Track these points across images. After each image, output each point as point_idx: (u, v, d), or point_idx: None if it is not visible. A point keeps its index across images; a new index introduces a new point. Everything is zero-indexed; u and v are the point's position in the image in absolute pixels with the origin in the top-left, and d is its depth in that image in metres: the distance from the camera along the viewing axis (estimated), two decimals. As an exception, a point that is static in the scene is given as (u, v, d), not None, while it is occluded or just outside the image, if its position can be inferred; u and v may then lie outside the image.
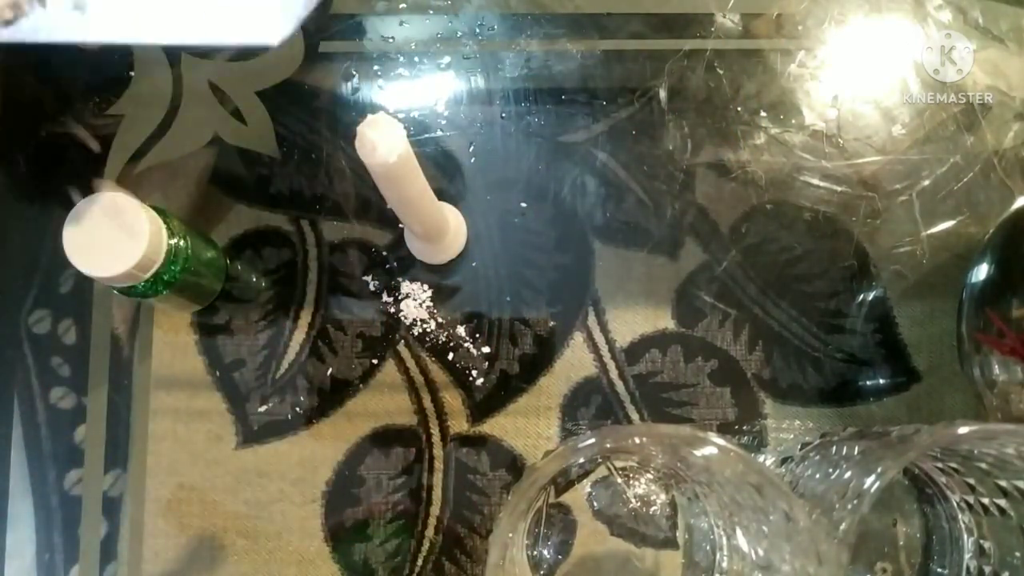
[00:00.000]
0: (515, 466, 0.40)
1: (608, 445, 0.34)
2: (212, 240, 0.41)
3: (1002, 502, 0.33)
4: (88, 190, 0.35)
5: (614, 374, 0.41)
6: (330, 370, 0.41)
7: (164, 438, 0.40)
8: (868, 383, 0.41)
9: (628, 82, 0.43)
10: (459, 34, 0.44)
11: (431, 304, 0.41)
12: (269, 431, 0.40)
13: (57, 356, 0.41)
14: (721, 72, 0.43)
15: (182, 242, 0.37)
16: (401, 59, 0.44)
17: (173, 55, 0.44)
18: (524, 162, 0.43)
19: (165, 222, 0.36)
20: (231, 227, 0.42)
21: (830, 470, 0.32)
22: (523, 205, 0.42)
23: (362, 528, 0.40)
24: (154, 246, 0.35)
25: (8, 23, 0.32)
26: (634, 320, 0.41)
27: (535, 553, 0.39)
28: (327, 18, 0.44)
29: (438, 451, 0.40)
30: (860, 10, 0.44)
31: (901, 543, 0.38)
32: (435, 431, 0.40)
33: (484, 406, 0.41)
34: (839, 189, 0.42)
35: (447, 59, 0.44)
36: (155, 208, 0.36)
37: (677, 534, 0.39)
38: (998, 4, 0.44)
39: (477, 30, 0.44)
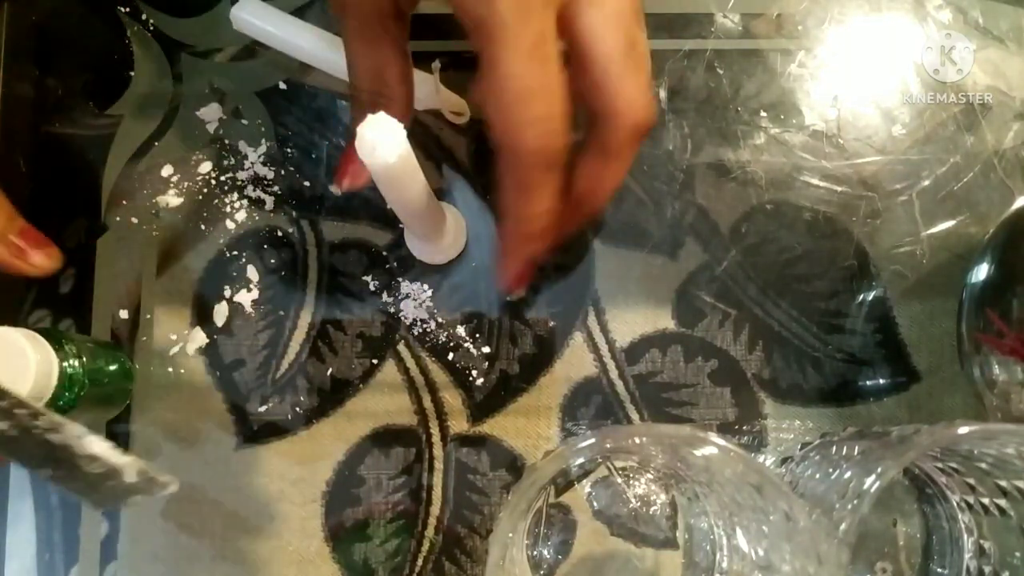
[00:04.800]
0: (515, 466, 0.40)
1: (608, 445, 0.34)
2: (115, 347, 0.40)
3: (1002, 502, 0.33)
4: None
5: (614, 374, 0.41)
6: (330, 370, 0.41)
7: (164, 438, 0.40)
8: (868, 383, 0.41)
9: (628, 82, 0.43)
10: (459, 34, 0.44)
11: (431, 304, 0.41)
12: (269, 431, 0.40)
13: (57, 356, 0.41)
14: (721, 72, 0.43)
15: (77, 363, 0.35)
16: (401, 59, 0.44)
17: (173, 55, 0.44)
18: (524, 162, 0.42)
19: (57, 346, 0.35)
20: (231, 227, 0.42)
21: (830, 470, 0.32)
22: (523, 205, 0.42)
23: (362, 528, 0.40)
24: (41, 379, 0.33)
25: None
26: (634, 320, 0.41)
27: (535, 553, 0.39)
28: (327, 18, 0.44)
29: (438, 451, 0.40)
30: (860, 10, 0.44)
31: (901, 543, 0.38)
32: (435, 431, 0.40)
33: (484, 406, 0.41)
34: (839, 189, 0.42)
35: (447, 59, 0.44)
36: (44, 331, 0.35)
37: (677, 534, 0.39)
38: (998, 4, 0.44)
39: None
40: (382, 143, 0.28)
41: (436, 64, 0.42)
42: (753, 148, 0.43)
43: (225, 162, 0.43)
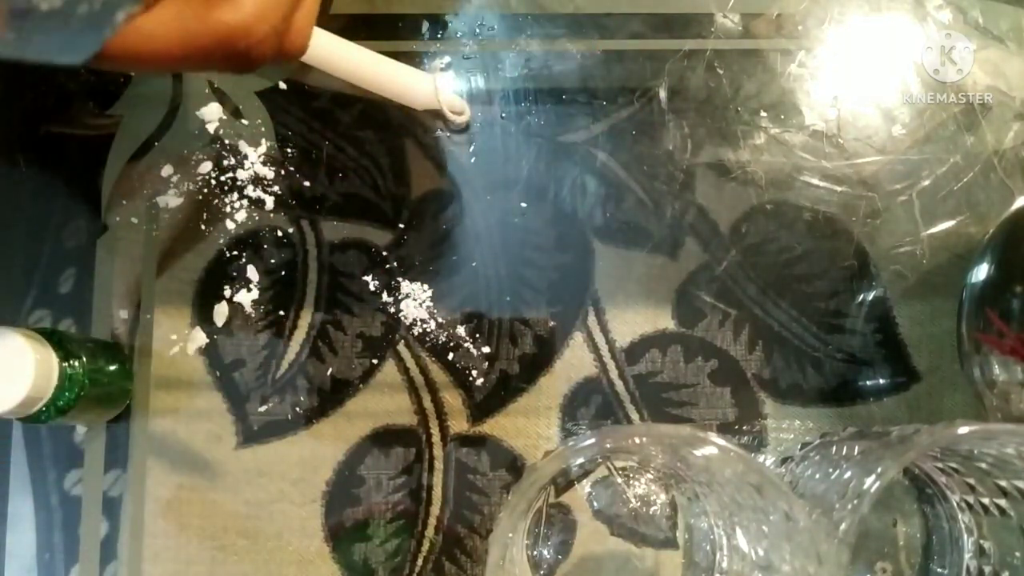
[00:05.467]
0: (515, 466, 0.40)
1: (608, 445, 0.34)
2: (115, 347, 0.40)
3: (1002, 502, 0.33)
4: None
5: (614, 374, 0.41)
6: (330, 370, 0.41)
7: (164, 438, 0.40)
8: (868, 383, 0.41)
9: (628, 82, 0.43)
10: (459, 34, 0.44)
11: (431, 304, 0.41)
12: (269, 431, 0.40)
13: (57, 356, 0.41)
14: (721, 72, 0.43)
15: (77, 363, 0.35)
16: (401, 59, 0.44)
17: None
18: (524, 162, 0.43)
19: (57, 346, 0.35)
20: (231, 227, 0.42)
21: (830, 470, 0.32)
22: (523, 205, 0.42)
23: (362, 528, 0.40)
24: (41, 379, 0.33)
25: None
26: (634, 320, 0.41)
27: (535, 553, 0.39)
28: (327, 18, 0.44)
29: (438, 451, 0.40)
30: (860, 10, 0.44)
31: (901, 543, 0.38)
32: (435, 431, 0.40)
33: (484, 406, 0.41)
34: (839, 189, 0.42)
35: (447, 59, 0.44)
36: (44, 331, 0.35)
37: (677, 534, 0.39)
38: (998, 4, 0.44)
39: (477, 30, 0.44)
40: None
41: (436, 64, 0.42)
42: (753, 148, 0.43)
43: (225, 162, 0.43)
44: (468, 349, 0.41)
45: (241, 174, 0.42)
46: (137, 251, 0.42)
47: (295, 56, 0.27)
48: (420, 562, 0.39)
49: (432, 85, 0.41)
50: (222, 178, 0.43)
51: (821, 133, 0.43)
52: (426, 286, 0.41)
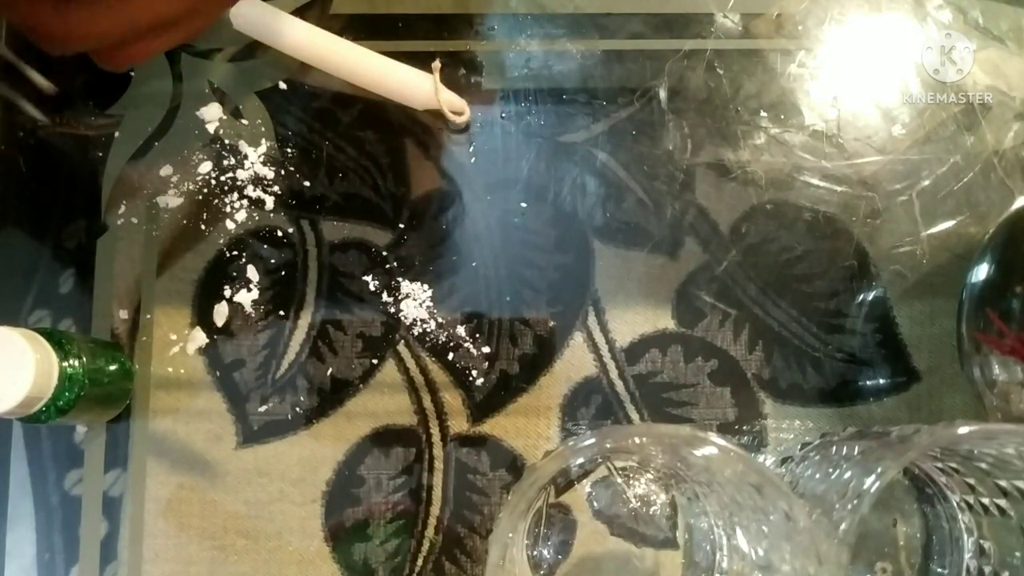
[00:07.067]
0: (515, 466, 0.40)
1: (608, 445, 0.34)
2: (115, 347, 0.40)
3: (1002, 502, 0.33)
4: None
5: (614, 374, 0.41)
6: (330, 370, 0.41)
7: (164, 438, 0.40)
8: (868, 383, 0.41)
9: (628, 82, 0.43)
10: (459, 34, 0.44)
11: (431, 304, 0.41)
12: (269, 431, 0.40)
13: (57, 356, 0.41)
14: (721, 72, 0.43)
15: (77, 363, 0.35)
16: (401, 59, 0.44)
17: (173, 55, 0.44)
18: (524, 162, 0.43)
19: (57, 346, 0.35)
20: (231, 227, 0.42)
21: (830, 470, 0.32)
22: (523, 205, 0.42)
23: (362, 528, 0.40)
24: (41, 379, 0.33)
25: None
26: (634, 320, 0.41)
27: (535, 553, 0.39)
28: (327, 18, 0.44)
29: (438, 451, 0.40)
30: (860, 10, 0.44)
31: (901, 543, 0.38)
32: (435, 431, 0.40)
33: (484, 406, 0.41)
34: (839, 189, 0.42)
35: (447, 59, 0.44)
36: (44, 331, 0.35)
37: (677, 534, 0.39)
38: (998, 4, 0.44)
39: (477, 30, 0.44)
40: None
41: (436, 64, 0.42)
42: (753, 148, 0.43)
43: (225, 162, 0.43)
44: (468, 349, 0.41)
45: (241, 174, 0.42)
46: (137, 251, 0.42)
47: (112, 70, 0.31)
48: (420, 562, 0.39)
49: (432, 85, 0.41)
50: (222, 178, 0.43)
51: (821, 133, 0.43)
52: (426, 286, 0.41)
